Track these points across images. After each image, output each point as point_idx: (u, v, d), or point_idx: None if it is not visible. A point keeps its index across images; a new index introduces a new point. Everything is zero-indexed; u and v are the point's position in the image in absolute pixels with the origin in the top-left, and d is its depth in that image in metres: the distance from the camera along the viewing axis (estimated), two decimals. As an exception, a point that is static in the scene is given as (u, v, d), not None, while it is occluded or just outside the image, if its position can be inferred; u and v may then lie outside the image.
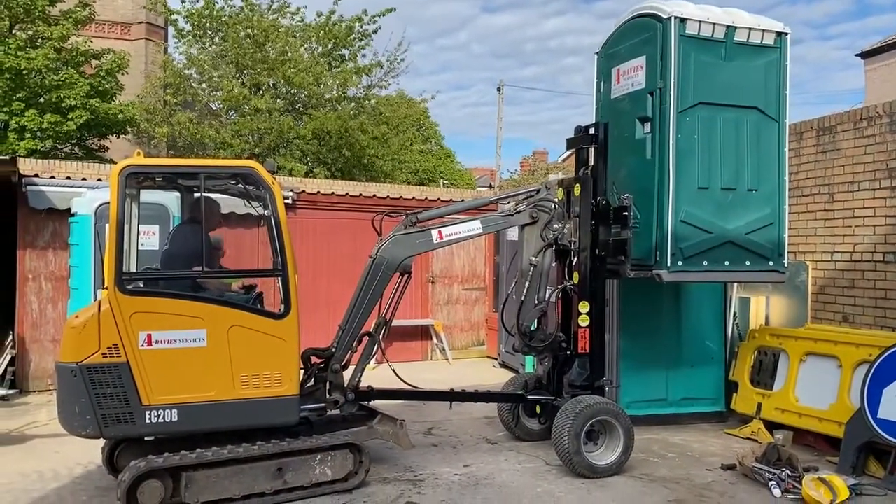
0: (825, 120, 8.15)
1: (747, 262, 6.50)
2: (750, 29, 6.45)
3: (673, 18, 6.22)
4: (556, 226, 6.48)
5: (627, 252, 6.36)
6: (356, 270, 6.33)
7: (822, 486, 5.29)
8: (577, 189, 6.49)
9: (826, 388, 6.59)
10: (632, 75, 6.63)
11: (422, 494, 5.57)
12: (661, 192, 6.27)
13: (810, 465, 5.97)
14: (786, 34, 6.59)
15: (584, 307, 6.39)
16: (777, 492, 5.50)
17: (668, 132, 6.24)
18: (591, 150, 6.62)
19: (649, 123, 6.41)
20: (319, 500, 5.40)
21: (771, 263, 6.55)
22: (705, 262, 6.36)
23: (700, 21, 6.29)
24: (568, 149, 7.20)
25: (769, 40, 6.53)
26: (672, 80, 6.22)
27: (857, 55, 25.64)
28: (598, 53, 7.23)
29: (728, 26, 6.38)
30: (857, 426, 5.94)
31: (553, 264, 6.65)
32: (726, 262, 6.43)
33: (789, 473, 5.61)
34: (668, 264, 6.25)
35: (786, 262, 6.65)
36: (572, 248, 6.52)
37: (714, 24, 6.34)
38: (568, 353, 6.57)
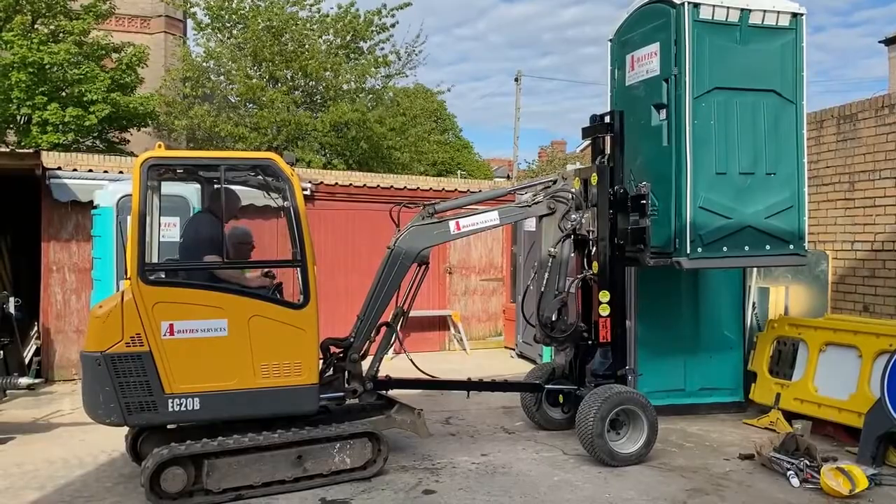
0: (846, 108, 8.07)
1: (767, 247, 6.45)
2: (765, 11, 6.38)
3: (686, 4, 6.18)
4: (574, 216, 6.48)
5: (646, 240, 6.33)
6: (374, 261, 6.38)
7: (841, 476, 5.27)
8: (594, 178, 6.48)
9: (846, 378, 6.55)
10: (646, 62, 6.59)
11: (439, 483, 5.62)
12: (678, 179, 6.24)
13: (829, 455, 5.95)
14: (802, 15, 6.51)
15: (604, 296, 6.39)
16: (795, 481, 5.49)
17: (685, 119, 6.20)
18: (608, 138, 6.60)
19: (665, 110, 6.38)
20: (338, 487, 5.47)
21: (791, 247, 6.51)
22: (725, 248, 6.33)
23: (714, 5, 6.24)
24: (583, 138, 7.19)
25: (785, 22, 6.47)
26: (687, 67, 6.18)
27: (880, 42, 25.23)
28: (611, 40, 7.19)
29: (742, 9, 6.32)
30: (877, 416, 5.90)
31: (572, 254, 6.66)
32: (746, 248, 6.39)
33: (808, 463, 5.59)
34: (688, 251, 6.22)
35: (806, 244, 6.59)
36: (591, 237, 6.52)
37: (728, 7, 6.28)
38: (589, 342, 6.58)
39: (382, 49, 20.47)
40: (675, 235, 6.28)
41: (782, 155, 6.49)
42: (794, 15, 6.51)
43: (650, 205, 6.34)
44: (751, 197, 6.38)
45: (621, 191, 6.39)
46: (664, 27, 6.36)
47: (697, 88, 6.22)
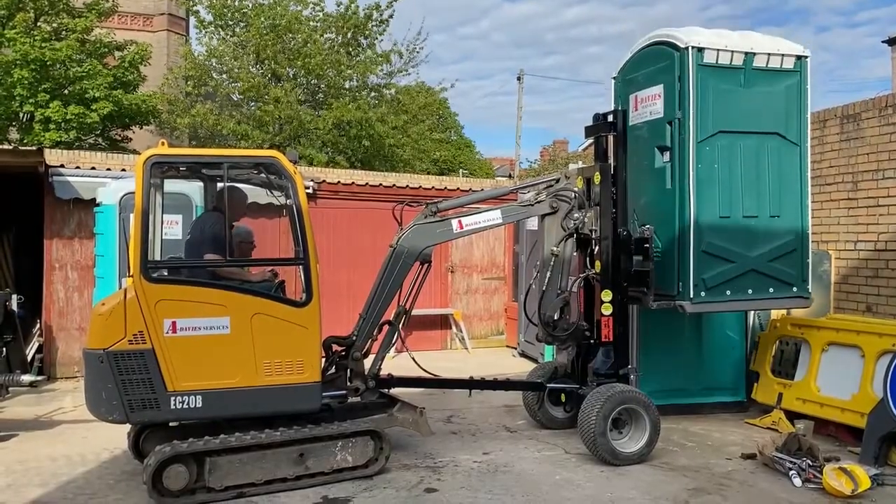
0: (849, 107, 8.05)
1: (771, 290, 6.46)
2: (769, 54, 6.39)
3: (690, 48, 6.16)
4: (576, 215, 6.48)
5: (649, 284, 6.34)
6: (376, 260, 6.38)
7: (844, 476, 5.26)
8: (597, 177, 6.48)
9: (848, 379, 6.54)
10: (649, 103, 6.58)
11: (441, 481, 5.62)
12: (682, 222, 6.25)
13: (831, 455, 5.94)
14: (806, 57, 6.53)
15: (606, 296, 6.39)
16: (797, 481, 5.49)
17: (688, 162, 6.20)
18: (610, 137, 6.59)
19: (668, 153, 6.36)
20: (340, 485, 5.47)
21: (795, 289, 6.51)
22: (728, 292, 6.34)
23: (718, 50, 6.24)
24: (586, 136, 7.18)
25: (789, 64, 6.48)
26: (691, 111, 6.18)
27: (884, 42, 25.19)
28: (614, 78, 7.18)
29: (747, 53, 6.33)
30: (880, 417, 5.89)
31: (574, 253, 6.66)
32: (749, 291, 6.41)
33: (810, 463, 5.59)
34: (692, 296, 6.22)
35: (810, 287, 6.60)
36: (593, 236, 6.52)
37: (732, 51, 6.29)
38: (591, 341, 6.58)
39: (381, 40, 20.51)
40: (678, 279, 6.28)
41: (786, 197, 6.50)
42: (799, 57, 6.52)
43: (654, 247, 6.35)
44: (755, 240, 6.39)
45: (625, 233, 6.39)
46: (668, 70, 6.35)
47: (701, 132, 6.22)
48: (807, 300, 6.65)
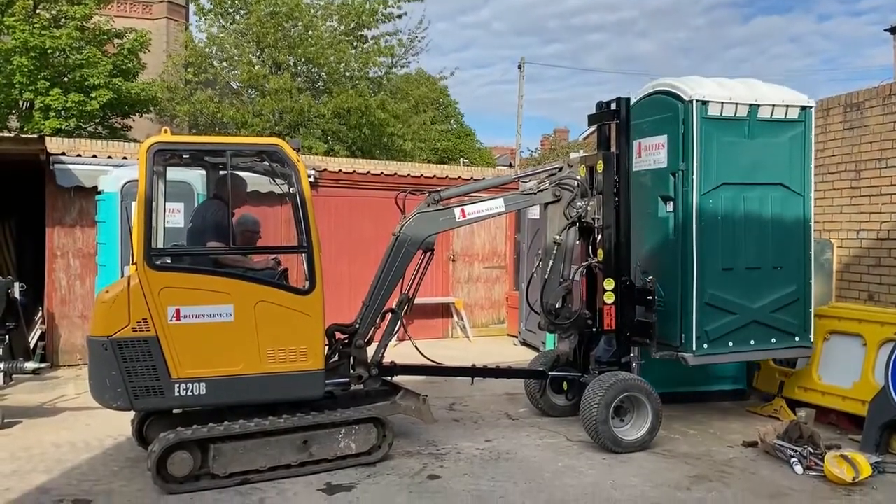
0: (853, 96, 8.03)
1: (773, 340, 6.47)
2: (773, 105, 6.39)
3: (695, 102, 6.15)
4: (579, 203, 6.48)
5: (652, 335, 6.33)
6: (378, 248, 6.38)
7: (845, 464, 5.29)
8: (599, 165, 6.47)
9: (850, 367, 6.56)
10: (653, 152, 6.57)
11: (444, 468, 5.65)
12: (685, 274, 6.25)
13: (832, 442, 5.95)
14: (810, 107, 6.54)
15: (609, 284, 6.39)
16: (799, 469, 5.51)
17: (692, 214, 6.21)
18: (613, 125, 6.58)
19: (672, 203, 6.37)
20: (344, 472, 5.49)
21: (797, 339, 6.52)
22: (731, 343, 6.36)
23: (723, 102, 6.23)
24: (589, 125, 7.16)
25: (793, 115, 6.48)
26: (694, 164, 6.17)
27: (886, 30, 25.09)
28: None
29: (751, 105, 6.32)
30: (881, 405, 5.91)
31: (577, 242, 6.66)
32: (752, 342, 6.41)
33: (811, 451, 5.61)
34: (694, 348, 6.24)
35: (811, 336, 6.60)
36: (596, 225, 6.51)
37: (737, 104, 6.28)
38: (593, 330, 6.59)
39: (388, 41, 20.41)
40: (680, 330, 6.29)
41: (789, 247, 6.50)
42: (803, 108, 6.52)
43: (657, 298, 6.35)
44: (757, 291, 6.40)
45: (628, 283, 6.39)
46: (672, 121, 6.34)
47: (705, 185, 6.21)
48: (808, 349, 6.68)
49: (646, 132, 6.65)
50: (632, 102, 6.62)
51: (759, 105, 6.34)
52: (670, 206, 6.39)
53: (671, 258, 6.36)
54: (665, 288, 6.39)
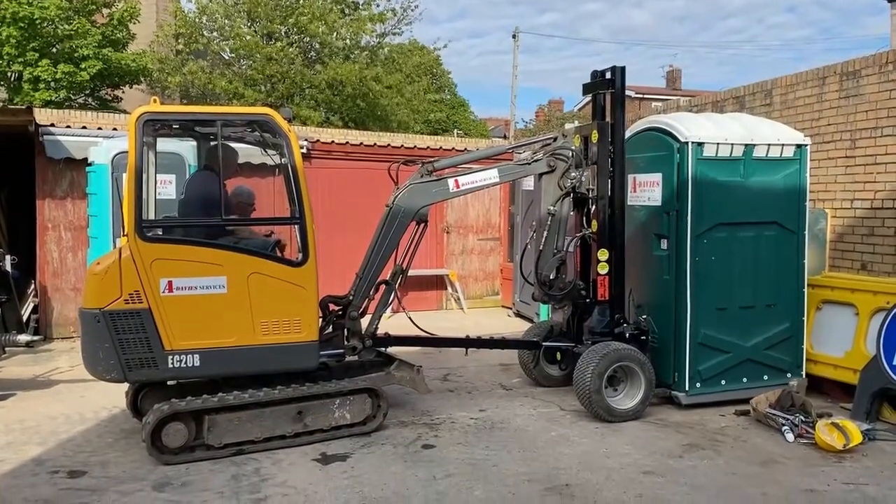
0: (849, 64, 7.96)
1: (765, 377, 6.48)
2: (769, 145, 6.37)
3: (690, 143, 6.12)
4: (573, 174, 6.44)
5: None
6: (371, 219, 6.34)
7: (836, 431, 5.34)
8: (594, 136, 6.42)
9: (842, 336, 6.59)
10: (648, 189, 6.54)
11: (438, 437, 5.68)
12: (679, 314, 6.26)
13: (824, 411, 6.02)
14: (805, 146, 6.52)
15: (602, 255, 6.39)
16: (790, 436, 5.56)
17: (686, 254, 6.19)
18: (608, 95, 6.52)
19: (666, 241, 6.34)
20: (339, 442, 5.52)
21: (789, 375, 6.53)
22: (723, 382, 6.39)
23: (718, 143, 6.20)
24: (584, 94, 7.09)
25: (789, 153, 6.47)
26: (689, 204, 6.16)
27: (883, -1, 24.87)
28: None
29: (746, 145, 6.29)
30: (873, 373, 5.95)
31: (571, 212, 6.64)
32: (744, 380, 6.44)
33: (802, 419, 5.67)
34: (687, 388, 6.29)
35: (803, 373, 6.62)
36: (590, 195, 6.49)
37: (732, 144, 6.26)
38: (587, 300, 6.60)
39: (378, 6, 20.18)
40: (674, 369, 6.32)
41: (783, 285, 6.51)
42: (799, 146, 6.50)
43: (651, 337, 6.38)
44: (751, 330, 6.42)
45: (622, 321, 6.39)
46: (667, 160, 6.29)
47: (699, 226, 6.20)
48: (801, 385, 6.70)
49: (640, 167, 6.64)
50: (626, 136, 6.61)
51: (754, 145, 6.34)
52: (664, 244, 6.38)
53: (666, 295, 6.37)
54: (659, 325, 6.43)
